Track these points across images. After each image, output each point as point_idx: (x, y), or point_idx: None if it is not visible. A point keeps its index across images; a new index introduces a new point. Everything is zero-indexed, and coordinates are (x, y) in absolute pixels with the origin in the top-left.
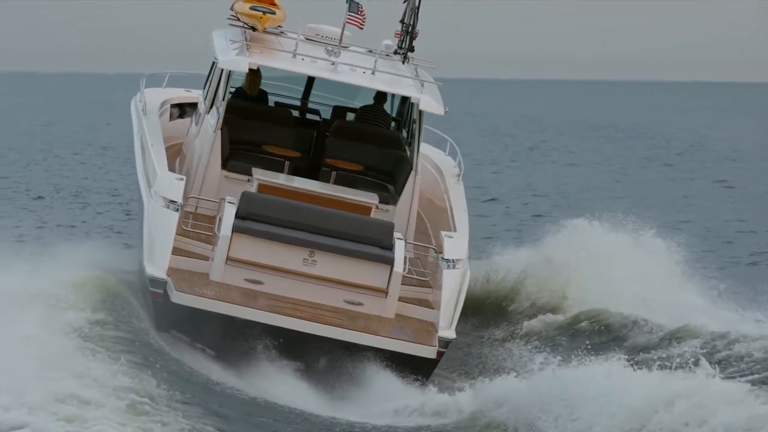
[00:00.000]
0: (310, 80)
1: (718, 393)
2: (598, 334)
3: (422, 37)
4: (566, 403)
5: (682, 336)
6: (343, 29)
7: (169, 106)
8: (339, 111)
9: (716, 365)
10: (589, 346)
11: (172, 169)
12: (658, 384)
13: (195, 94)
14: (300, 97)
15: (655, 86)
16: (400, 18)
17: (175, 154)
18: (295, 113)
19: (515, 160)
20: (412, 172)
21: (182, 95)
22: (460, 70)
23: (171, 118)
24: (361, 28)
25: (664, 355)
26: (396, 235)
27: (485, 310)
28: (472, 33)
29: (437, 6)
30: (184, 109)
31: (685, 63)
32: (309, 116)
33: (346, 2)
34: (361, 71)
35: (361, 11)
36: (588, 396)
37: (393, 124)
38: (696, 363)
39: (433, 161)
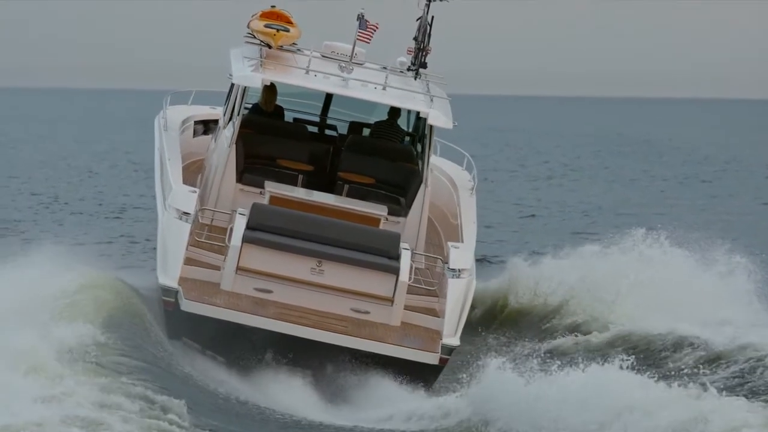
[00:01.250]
0: (328, 97)
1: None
2: (630, 354)
3: (448, 55)
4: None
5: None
6: (353, 46)
7: (192, 122)
8: (355, 126)
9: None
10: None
11: (193, 183)
12: (645, 393)
13: (219, 111)
14: (319, 113)
15: (684, 103)
16: (414, 35)
17: (198, 169)
18: (314, 129)
19: (551, 177)
20: (422, 185)
21: (206, 112)
22: (489, 86)
23: (195, 134)
24: (368, 42)
25: (672, 372)
26: (403, 245)
27: (524, 324)
28: (496, 50)
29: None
30: (208, 126)
31: (710, 79)
32: (327, 132)
33: (357, 20)
34: (372, 87)
35: (370, 27)
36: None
37: (408, 138)
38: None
39: (449, 175)
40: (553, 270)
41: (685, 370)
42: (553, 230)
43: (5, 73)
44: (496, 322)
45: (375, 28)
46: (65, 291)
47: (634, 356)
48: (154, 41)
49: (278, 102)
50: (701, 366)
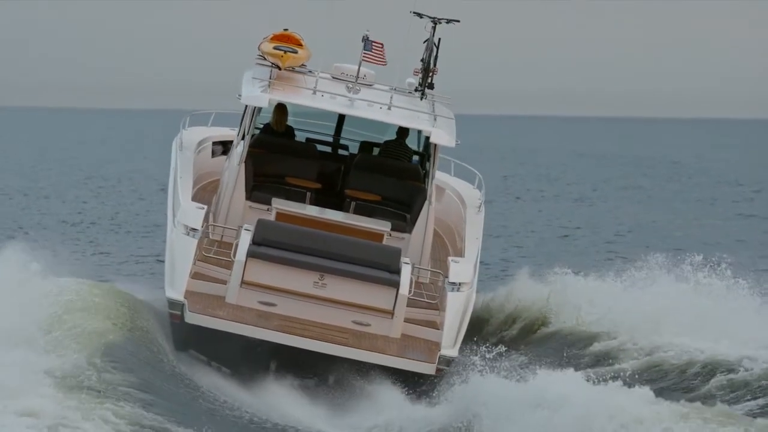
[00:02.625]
0: (341, 118)
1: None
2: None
3: (464, 74)
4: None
5: None
6: (359, 67)
7: (211, 143)
8: (366, 146)
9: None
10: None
11: (209, 201)
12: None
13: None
14: (333, 133)
15: (708, 123)
16: (422, 57)
17: (216, 188)
18: (327, 148)
19: (579, 198)
20: (426, 202)
21: (225, 133)
22: (503, 106)
23: (213, 154)
24: (384, 64)
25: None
26: (403, 260)
27: (556, 347)
28: (515, 69)
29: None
30: (226, 147)
31: (733, 101)
32: (341, 151)
33: (362, 41)
34: (377, 107)
35: (375, 48)
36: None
37: (417, 157)
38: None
39: (459, 193)
40: (600, 295)
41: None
42: (596, 250)
43: (34, 92)
44: (533, 339)
45: (380, 46)
46: (85, 301)
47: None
48: (178, 62)
49: (295, 123)
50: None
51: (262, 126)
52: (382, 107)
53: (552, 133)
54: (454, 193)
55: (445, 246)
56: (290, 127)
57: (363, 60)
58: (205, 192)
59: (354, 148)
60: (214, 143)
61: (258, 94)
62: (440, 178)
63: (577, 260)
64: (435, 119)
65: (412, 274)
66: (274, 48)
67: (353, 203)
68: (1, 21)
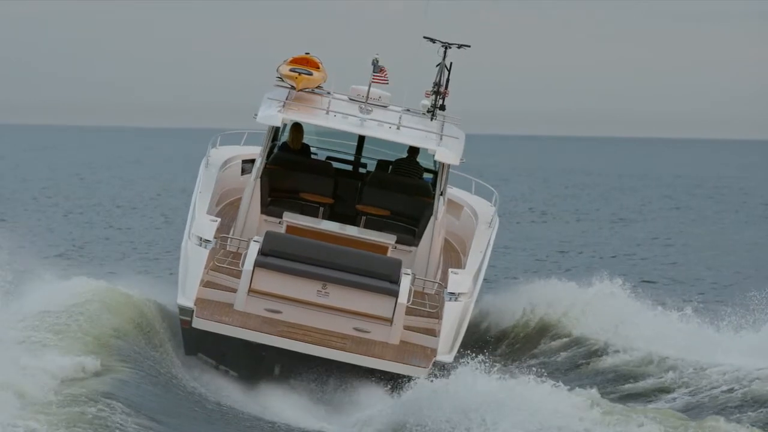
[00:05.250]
0: (361, 137)
1: None
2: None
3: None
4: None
5: None
6: (369, 88)
7: (240, 161)
8: (382, 164)
9: None
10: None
11: (234, 216)
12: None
13: None
14: (353, 152)
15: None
16: (434, 80)
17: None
18: (347, 166)
19: (621, 218)
20: (432, 217)
21: (256, 152)
22: (523, 126)
23: (243, 172)
24: (386, 83)
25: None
26: (404, 271)
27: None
28: (554, 89)
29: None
30: None
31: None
32: (361, 170)
33: (372, 65)
34: (387, 126)
35: (382, 71)
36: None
37: (428, 174)
38: None
39: (474, 209)
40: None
41: None
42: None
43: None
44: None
45: (384, 70)
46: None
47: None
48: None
49: (318, 142)
50: None
51: (280, 144)
52: (391, 127)
53: (577, 154)
54: (470, 210)
55: (459, 259)
56: (306, 144)
57: (372, 82)
58: (232, 207)
59: (372, 167)
60: (244, 161)
61: (272, 114)
62: (459, 195)
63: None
64: (441, 138)
65: (412, 284)
66: (290, 70)
67: (364, 218)
68: (48, 47)
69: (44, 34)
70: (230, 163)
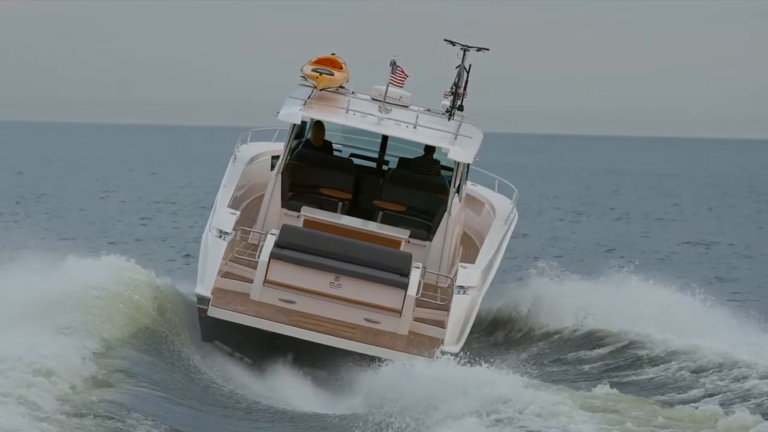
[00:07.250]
0: (385, 137)
1: None
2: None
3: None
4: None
5: None
6: (386, 88)
7: (270, 156)
8: (403, 162)
9: None
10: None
11: (259, 208)
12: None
13: None
14: (378, 149)
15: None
16: (453, 81)
17: None
18: (370, 163)
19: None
20: (446, 213)
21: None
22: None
23: (272, 168)
24: (401, 86)
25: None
26: (414, 264)
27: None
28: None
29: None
30: None
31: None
32: (384, 167)
33: (390, 65)
34: (404, 126)
35: (399, 71)
36: None
37: (448, 172)
38: None
39: (493, 206)
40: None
41: None
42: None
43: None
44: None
45: (402, 70)
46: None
47: None
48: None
49: (344, 140)
50: None
51: (303, 141)
52: (408, 126)
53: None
54: (489, 206)
55: (477, 254)
56: (328, 142)
57: (390, 83)
58: (259, 201)
59: (395, 164)
60: (273, 157)
61: (292, 112)
62: (481, 192)
63: None
64: (456, 137)
65: (422, 277)
66: (312, 70)
67: (381, 213)
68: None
69: (87, 34)
70: (258, 158)
